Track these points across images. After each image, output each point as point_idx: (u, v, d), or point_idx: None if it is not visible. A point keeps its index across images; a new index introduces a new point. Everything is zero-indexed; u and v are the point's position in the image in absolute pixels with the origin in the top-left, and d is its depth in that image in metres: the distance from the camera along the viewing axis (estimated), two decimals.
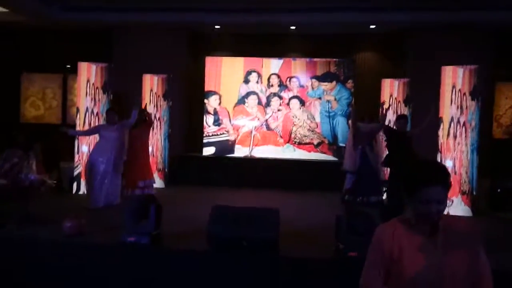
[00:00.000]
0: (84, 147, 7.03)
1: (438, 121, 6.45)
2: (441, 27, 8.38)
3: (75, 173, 7.08)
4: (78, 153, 7.08)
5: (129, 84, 8.92)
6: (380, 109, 8.17)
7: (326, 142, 9.23)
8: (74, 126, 7.31)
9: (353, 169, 6.03)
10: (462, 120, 6.14)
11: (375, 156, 6.21)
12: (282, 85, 9.34)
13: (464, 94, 6.15)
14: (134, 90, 8.59)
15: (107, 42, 9.55)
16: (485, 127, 7.94)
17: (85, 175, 6.43)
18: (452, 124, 6.19)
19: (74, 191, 7.04)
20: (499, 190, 7.40)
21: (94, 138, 6.72)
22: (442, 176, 1.63)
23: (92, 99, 7.08)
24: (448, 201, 1.67)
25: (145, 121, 6.77)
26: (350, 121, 6.49)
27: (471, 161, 6.11)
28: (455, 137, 6.18)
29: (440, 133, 6.33)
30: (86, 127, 6.98)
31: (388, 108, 8.16)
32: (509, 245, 4.57)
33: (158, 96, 8.23)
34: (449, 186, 1.66)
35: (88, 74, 7.08)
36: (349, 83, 9.22)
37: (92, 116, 7.07)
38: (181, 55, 9.49)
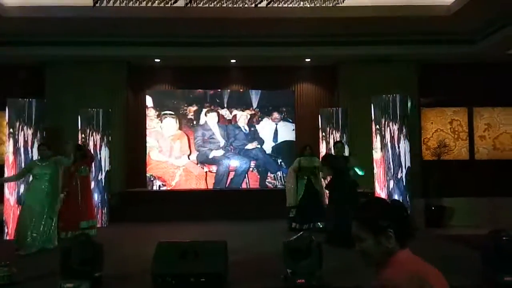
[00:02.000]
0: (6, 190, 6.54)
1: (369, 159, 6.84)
2: (369, 60, 9.07)
3: (4, 217, 6.54)
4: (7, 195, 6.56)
5: (65, 120, 8.58)
6: (321, 142, 8.55)
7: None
8: (2, 166, 6.81)
9: (294, 204, 6.62)
10: (394, 145, 6.56)
11: (320, 184, 6.65)
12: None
13: (393, 120, 6.61)
14: (70, 125, 8.27)
15: (39, 77, 9.16)
16: (415, 150, 8.57)
17: (17, 218, 5.97)
18: (384, 150, 6.58)
19: (5, 236, 6.48)
20: (433, 208, 7.93)
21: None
22: (358, 211, 1.56)
23: (23, 137, 6.65)
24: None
25: (85, 157, 6.54)
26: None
27: (405, 183, 6.50)
28: (387, 160, 6.56)
29: (374, 160, 6.69)
30: (15, 167, 6.51)
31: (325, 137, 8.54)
32: (451, 261, 4.84)
33: (96, 131, 7.91)
34: (368, 221, 1.51)
35: (18, 110, 6.67)
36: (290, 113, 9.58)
37: (23, 155, 6.61)
38: (120, 89, 9.33)
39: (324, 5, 7.33)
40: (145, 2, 6.34)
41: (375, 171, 6.65)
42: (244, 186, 9.40)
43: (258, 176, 9.45)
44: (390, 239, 1.50)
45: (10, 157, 6.59)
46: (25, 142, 6.61)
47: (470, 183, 9.03)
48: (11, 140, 6.62)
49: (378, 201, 1.73)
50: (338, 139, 8.22)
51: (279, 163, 9.51)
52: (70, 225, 6.12)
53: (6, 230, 6.50)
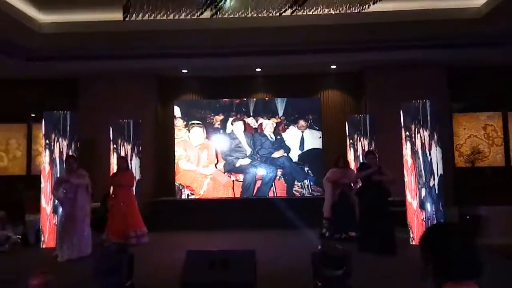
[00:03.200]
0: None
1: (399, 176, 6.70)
2: (396, 65, 8.91)
3: (41, 225, 6.79)
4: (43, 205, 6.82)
5: (97, 131, 8.86)
6: (348, 149, 8.45)
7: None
8: (39, 176, 7.08)
9: (330, 216, 6.60)
10: (425, 152, 6.39)
11: (352, 196, 6.59)
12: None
13: (423, 126, 6.45)
14: (102, 137, 8.54)
15: (72, 90, 9.52)
16: (448, 157, 8.33)
17: (56, 227, 6.21)
18: (415, 157, 6.42)
19: (41, 244, 6.72)
20: (467, 217, 7.66)
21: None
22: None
23: (58, 148, 6.92)
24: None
25: (128, 168, 6.89)
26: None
27: (438, 191, 6.30)
28: (419, 168, 6.39)
29: (405, 168, 6.54)
30: (51, 178, 6.77)
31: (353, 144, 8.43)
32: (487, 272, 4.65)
33: (127, 141, 8.12)
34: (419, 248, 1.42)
35: (54, 122, 6.95)
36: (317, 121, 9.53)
37: (58, 165, 6.86)
38: (150, 100, 9.56)
39: (349, 11, 7.30)
40: (172, 15, 6.50)
41: (405, 179, 6.49)
42: (271, 194, 9.38)
43: (285, 185, 9.42)
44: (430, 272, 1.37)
45: (46, 168, 6.86)
46: (61, 153, 6.86)
47: (506, 191, 8.67)
48: (47, 151, 6.89)
49: (431, 228, 1.51)
50: (366, 147, 8.12)
51: (306, 171, 9.45)
52: (116, 233, 6.47)
53: (42, 239, 6.73)
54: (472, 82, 9.37)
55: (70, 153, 6.73)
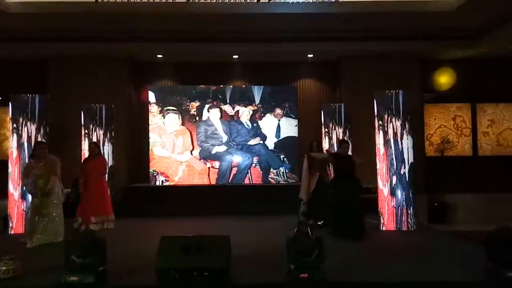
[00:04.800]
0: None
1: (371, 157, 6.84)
2: (371, 56, 9.04)
3: (8, 211, 6.58)
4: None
5: (68, 115, 8.63)
6: (323, 138, 8.54)
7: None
8: (6, 161, 6.84)
9: (307, 198, 6.64)
10: (397, 141, 6.54)
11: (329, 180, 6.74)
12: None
13: (396, 116, 6.59)
14: (73, 121, 8.32)
15: (41, 73, 9.18)
16: (419, 146, 8.56)
17: (25, 213, 6.05)
18: (387, 146, 6.56)
19: (9, 230, 6.52)
20: (436, 204, 7.93)
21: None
22: None
23: (26, 132, 6.68)
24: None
25: (100, 154, 6.77)
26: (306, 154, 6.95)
27: (408, 179, 6.48)
28: (390, 156, 6.54)
29: (377, 156, 6.67)
30: (19, 163, 6.55)
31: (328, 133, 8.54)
32: (454, 257, 4.84)
33: (99, 126, 7.93)
34: None
35: (21, 105, 6.69)
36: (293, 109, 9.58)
37: (27, 150, 6.63)
38: (123, 85, 9.34)
39: (326, 0, 7.33)
40: None
41: (378, 166, 6.63)
42: (246, 181, 9.41)
43: (261, 172, 9.46)
44: None
45: (14, 152, 6.62)
46: (29, 137, 6.63)
47: (473, 179, 9.02)
48: (15, 136, 6.65)
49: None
50: (341, 135, 8.23)
51: (282, 159, 9.52)
52: (85, 219, 6.47)
53: (10, 225, 6.54)
54: (444, 74, 9.62)
55: (39, 139, 6.52)
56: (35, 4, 7.23)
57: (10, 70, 9.27)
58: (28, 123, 6.66)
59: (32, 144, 6.37)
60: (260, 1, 6.89)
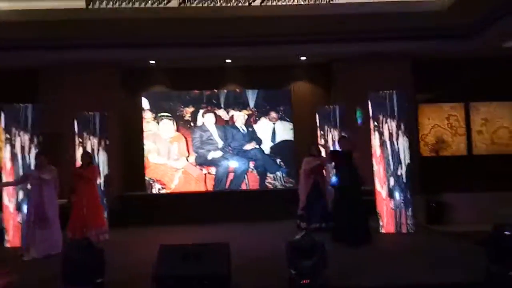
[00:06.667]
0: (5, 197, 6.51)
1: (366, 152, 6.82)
2: (364, 57, 9.04)
3: (4, 224, 6.47)
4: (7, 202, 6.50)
5: (61, 124, 8.52)
6: (319, 140, 8.52)
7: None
8: (0, 173, 6.75)
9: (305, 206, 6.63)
10: (392, 142, 6.54)
11: (326, 184, 6.75)
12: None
13: (391, 117, 6.59)
14: (66, 130, 8.21)
15: (32, 82, 9.06)
16: (414, 147, 8.56)
17: (22, 225, 5.96)
18: (383, 147, 6.56)
19: (5, 243, 6.42)
20: (433, 205, 7.92)
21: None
22: None
23: (19, 142, 6.58)
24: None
25: (91, 163, 6.64)
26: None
27: (405, 180, 6.47)
28: (387, 158, 6.53)
29: (374, 157, 6.66)
30: (13, 174, 6.46)
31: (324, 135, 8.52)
32: (453, 258, 4.82)
33: (93, 135, 7.83)
34: None
35: (14, 115, 6.60)
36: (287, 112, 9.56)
37: (20, 160, 6.54)
38: (116, 92, 9.26)
39: (317, 2, 7.35)
40: (138, 2, 6.31)
41: (374, 168, 6.62)
42: (243, 187, 9.36)
43: (258, 177, 9.42)
44: None
45: (7, 164, 6.53)
46: (22, 148, 6.55)
47: (469, 179, 9.04)
48: (8, 146, 6.56)
49: None
50: (337, 137, 8.20)
51: (278, 163, 9.48)
52: (78, 230, 6.23)
53: (6, 238, 6.44)
54: (437, 73, 9.66)
55: (33, 149, 6.46)
56: (24, 12, 7.16)
57: (0, 79, 9.14)
58: (21, 133, 6.57)
59: (26, 155, 6.31)
60: (252, 4, 6.89)
